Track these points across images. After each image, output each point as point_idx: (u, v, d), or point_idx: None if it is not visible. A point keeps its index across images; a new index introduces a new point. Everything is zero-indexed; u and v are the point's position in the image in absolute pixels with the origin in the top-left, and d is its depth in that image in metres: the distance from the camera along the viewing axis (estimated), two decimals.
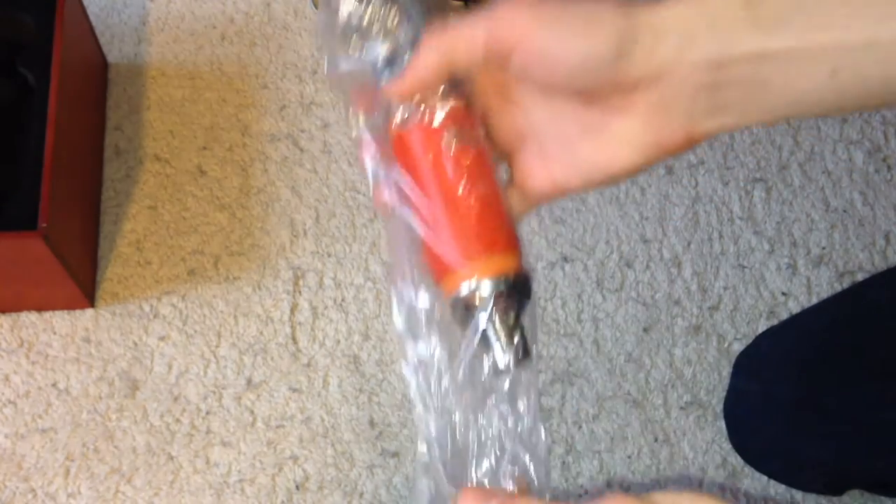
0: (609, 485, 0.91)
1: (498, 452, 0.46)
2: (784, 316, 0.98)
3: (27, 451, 0.89)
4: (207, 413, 0.91)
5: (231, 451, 0.90)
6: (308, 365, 0.94)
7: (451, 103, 0.46)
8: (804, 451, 0.85)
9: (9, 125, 0.89)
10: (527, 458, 0.46)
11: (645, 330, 0.97)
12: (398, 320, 0.46)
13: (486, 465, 0.46)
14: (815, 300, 0.99)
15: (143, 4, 1.09)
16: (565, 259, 0.99)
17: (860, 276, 1.00)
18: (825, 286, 1.00)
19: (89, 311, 0.94)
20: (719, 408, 0.94)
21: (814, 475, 0.87)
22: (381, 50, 0.46)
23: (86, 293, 0.93)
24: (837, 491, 0.90)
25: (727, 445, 0.92)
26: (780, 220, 1.03)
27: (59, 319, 0.94)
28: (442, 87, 0.46)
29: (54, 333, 0.93)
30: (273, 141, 1.03)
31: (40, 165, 0.83)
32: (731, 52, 0.40)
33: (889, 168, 1.06)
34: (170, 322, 0.94)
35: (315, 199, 1.01)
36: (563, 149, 0.45)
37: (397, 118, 0.46)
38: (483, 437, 0.46)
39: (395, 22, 0.46)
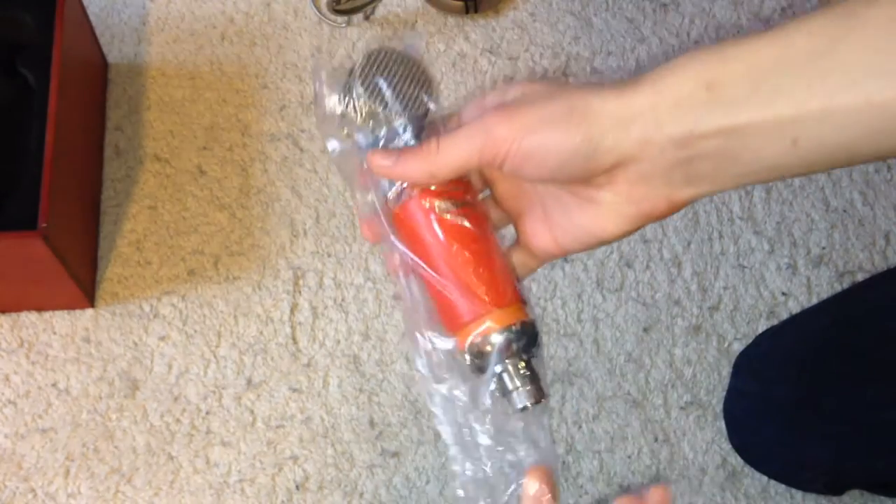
0: (608, 484, 0.91)
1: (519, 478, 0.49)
2: (784, 316, 0.98)
3: (27, 451, 0.89)
4: (207, 413, 0.91)
5: (231, 451, 0.90)
6: (308, 365, 0.94)
7: None
8: (804, 451, 0.85)
9: (9, 125, 0.89)
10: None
11: (645, 330, 0.97)
12: (422, 368, 0.50)
13: (511, 488, 0.49)
14: (815, 300, 0.99)
15: (143, 4, 1.09)
16: (565, 259, 0.99)
17: (860, 276, 1.00)
18: (825, 286, 1.00)
19: (89, 311, 0.94)
20: (719, 408, 0.94)
21: (814, 475, 0.87)
22: (368, 136, 0.50)
23: (86, 293, 0.93)
24: (837, 491, 0.90)
25: (727, 445, 0.92)
26: (780, 220, 1.03)
27: (59, 319, 0.94)
28: None
29: (54, 333, 0.93)
30: (273, 141, 1.03)
31: (40, 165, 0.83)
32: (696, 130, 0.43)
33: (889, 168, 1.06)
34: (170, 322, 0.94)
35: (315, 199, 1.01)
36: (562, 215, 0.50)
37: (391, 194, 0.50)
38: (507, 468, 0.50)
39: (380, 110, 0.50)
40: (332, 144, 0.51)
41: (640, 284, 0.99)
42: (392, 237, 0.50)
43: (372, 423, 0.92)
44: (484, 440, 0.49)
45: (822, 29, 0.42)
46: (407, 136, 0.50)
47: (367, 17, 1.09)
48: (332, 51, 1.08)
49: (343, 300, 0.96)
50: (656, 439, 0.93)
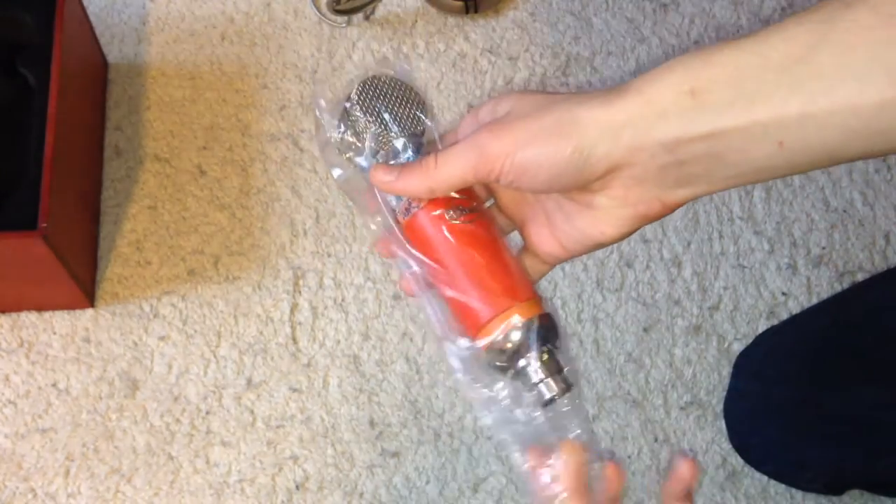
0: None
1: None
2: (784, 316, 0.98)
3: (27, 451, 0.89)
4: (207, 413, 0.91)
5: (231, 451, 0.90)
6: (308, 365, 0.94)
7: None
8: (804, 451, 0.85)
9: (9, 125, 0.89)
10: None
11: (645, 330, 0.97)
12: (460, 375, 0.52)
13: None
14: (815, 300, 0.99)
15: (143, 4, 1.09)
16: None
17: (860, 276, 1.00)
18: (825, 286, 1.00)
19: (89, 311, 0.94)
20: (719, 408, 0.94)
21: (814, 475, 0.88)
22: (370, 159, 0.53)
23: (86, 293, 0.93)
24: (837, 491, 0.90)
25: (727, 445, 0.92)
26: (780, 220, 1.03)
27: (59, 319, 0.94)
28: None
29: (54, 333, 0.93)
30: (273, 141, 1.03)
31: (40, 165, 0.83)
32: (683, 135, 0.45)
33: (889, 168, 1.06)
34: (170, 322, 0.94)
35: (315, 199, 1.01)
36: (563, 220, 0.52)
37: (399, 208, 0.52)
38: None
39: (379, 132, 0.52)
40: (337, 171, 0.54)
41: (640, 284, 0.99)
42: (406, 248, 0.52)
43: (372, 423, 0.92)
44: (534, 428, 0.51)
45: (800, 34, 0.43)
46: (407, 155, 0.53)
47: (367, 17, 1.09)
48: (332, 51, 1.08)
49: (343, 300, 0.96)
50: (656, 439, 0.93)
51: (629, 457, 0.92)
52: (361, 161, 0.53)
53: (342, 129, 0.53)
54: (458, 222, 0.51)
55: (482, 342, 0.51)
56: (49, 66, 0.87)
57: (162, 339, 0.94)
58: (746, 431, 0.90)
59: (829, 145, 0.43)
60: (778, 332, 0.93)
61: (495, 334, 0.50)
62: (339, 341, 0.95)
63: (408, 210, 0.52)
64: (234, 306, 0.95)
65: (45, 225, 0.81)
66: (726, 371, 0.95)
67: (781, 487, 0.91)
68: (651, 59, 1.09)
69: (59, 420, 0.90)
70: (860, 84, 0.41)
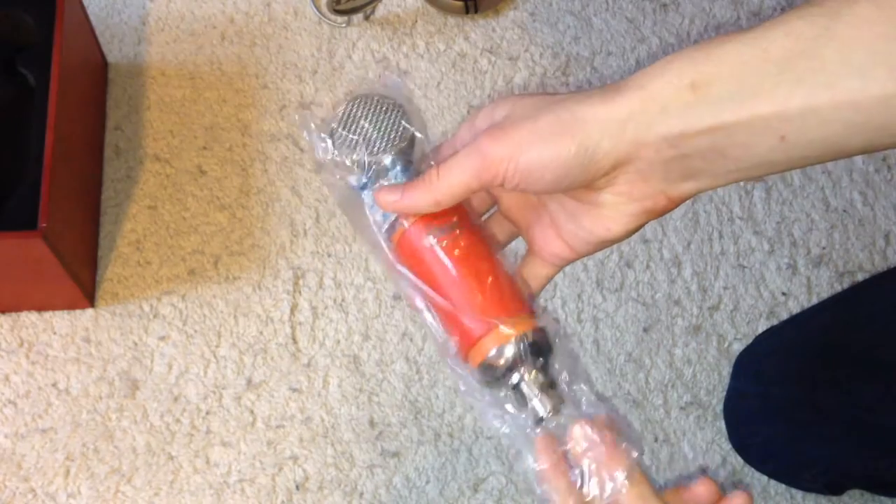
0: None
1: None
2: (784, 316, 0.98)
3: (27, 451, 0.89)
4: (207, 413, 0.91)
5: (231, 451, 0.90)
6: (308, 365, 0.94)
7: None
8: (804, 452, 0.85)
9: (9, 125, 0.89)
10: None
11: (645, 330, 0.97)
12: (462, 387, 0.52)
13: None
14: (815, 300, 0.99)
15: (143, 4, 1.09)
16: None
17: (860, 276, 1.00)
18: (825, 286, 1.00)
19: (89, 311, 0.94)
20: (719, 408, 0.94)
21: (814, 475, 0.87)
22: (360, 177, 0.53)
23: (86, 293, 0.93)
24: (837, 491, 0.90)
25: (727, 445, 0.92)
26: (780, 220, 1.03)
27: (59, 319, 0.94)
28: None
29: (54, 333, 0.93)
30: (273, 141, 1.03)
31: (40, 165, 0.83)
32: (685, 130, 0.44)
33: (889, 168, 1.06)
34: (170, 322, 0.94)
35: (315, 199, 1.01)
36: (569, 220, 0.51)
37: (385, 226, 0.52)
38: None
39: (365, 150, 0.52)
40: (333, 190, 0.54)
41: (640, 284, 0.99)
42: (396, 267, 0.52)
43: (372, 423, 0.92)
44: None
45: (802, 28, 0.43)
46: (397, 170, 0.52)
47: (367, 17, 1.09)
48: (332, 51, 1.08)
49: (343, 300, 0.96)
50: (656, 439, 0.93)
51: None
52: (351, 179, 0.53)
53: (332, 150, 0.53)
54: (443, 241, 0.51)
55: (474, 360, 0.50)
56: (49, 66, 0.87)
57: (162, 339, 0.94)
58: (746, 431, 0.90)
59: (832, 139, 0.43)
60: (778, 332, 0.93)
61: (487, 353, 0.50)
62: (339, 341, 0.95)
63: (393, 228, 0.52)
64: (234, 306, 0.95)
65: (45, 225, 0.81)
66: (726, 371, 0.95)
67: (781, 487, 0.91)
68: (651, 59, 1.09)
69: (59, 420, 0.90)
70: (862, 79, 0.41)
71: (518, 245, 0.57)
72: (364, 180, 0.53)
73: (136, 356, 0.93)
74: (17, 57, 0.90)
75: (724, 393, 0.93)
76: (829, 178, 1.05)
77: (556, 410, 0.50)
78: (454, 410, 0.93)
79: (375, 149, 0.52)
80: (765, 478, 0.91)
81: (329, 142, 0.53)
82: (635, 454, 0.48)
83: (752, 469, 0.91)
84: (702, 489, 0.50)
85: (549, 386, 0.50)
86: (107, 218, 0.99)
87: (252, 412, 0.92)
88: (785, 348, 0.89)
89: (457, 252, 0.51)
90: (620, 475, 0.48)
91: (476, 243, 0.52)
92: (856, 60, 0.41)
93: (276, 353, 0.94)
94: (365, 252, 0.99)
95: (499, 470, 0.91)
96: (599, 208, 0.49)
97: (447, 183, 0.49)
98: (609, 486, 0.47)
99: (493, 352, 0.50)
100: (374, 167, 0.52)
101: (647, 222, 0.50)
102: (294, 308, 0.96)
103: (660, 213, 0.49)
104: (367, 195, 0.53)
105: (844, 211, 1.03)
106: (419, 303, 0.52)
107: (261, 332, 0.95)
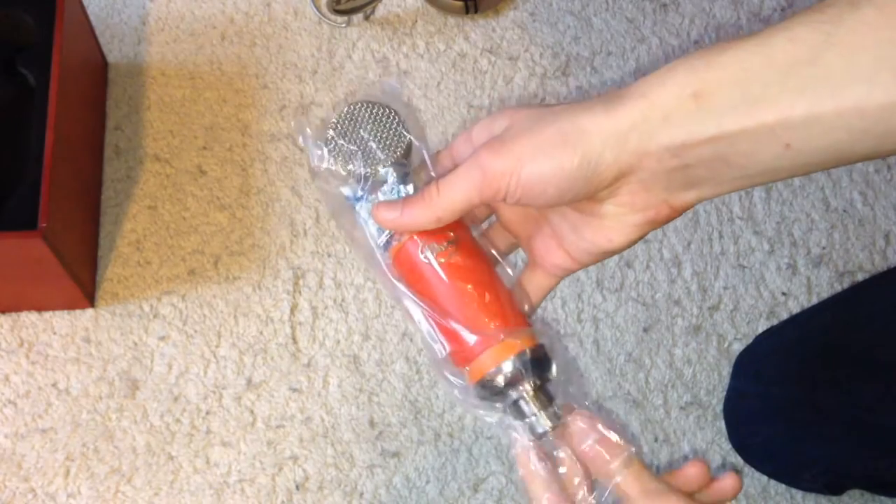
0: None
1: None
2: (784, 316, 0.98)
3: (27, 451, 0.89)
4: (207, 413, 0.91)
5: (231, 451, 0.90)
6: (308, 365, 0.94)
7: None
8: (804, 452, 0.85)
9: (9, 125, 0.89)
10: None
11: (645, 330, 0.97)
12: (458, 395, 0.51)
13: None
14: (815, 300, 0.99)
15: (143, 4, 1.09)
16: None
17: (860, 276, 1.00)
18: (825, 286, 1.00)
19: (89, 311, 0.94)
20: (719, 408, 0.94)
21: (814, 475, 0.87)
22: (354, 188, 0.52)
23: (86, 293, 0.93)
24: (837, 491, 0.90)
25: (727, 445, 0.92)
26: (780, 220, 1.03)
27: (59, 319, 0.94)
28: None
29: (54, 333, 0.93)
30: (273, 141, 1.03)
31: (40, 165, 0.83)
32: (688, 140, 0.44)
33: (889, 168, 1.06)
34: (170, 322, 0.94)
35: (315, 199, 1.00)
36: (570, 231, 0.50)
37: (380, 241, 0.51)
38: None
39: (360, 160, 0.51)
40: (327, 198, 0.53)
41: (640, 284, 0.99)
42: (392, 282, 0.51)
43: (372, 423, 0.92)
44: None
45: (805, 35, 0.42)
46: (392, 181, 0.51)
47: (367, 17, 1.09)
48: (332, 50, 1.08)
49: (343, 300, 0.96)
50: (656, 439, 0.93)
51: None
52: (347, 191, 0.52)
53: (328, 158, 0.52)
54: (439, 257, 0.50)
55: (472, 377, 0.50)
56: (49, 66, 0.87)
57: (162, 339, 0.94)
58: (746, 431, 0.90)
59: (837, 146, 0.43)
60: (778, 332, 0.93)
61: (485, 371, 0.49)
62: (339, 341, 0.95)
63: (388, 244, 0.51)
64: (234, 306, 0.95)
65: (45, 225, 0.81)
66: (726, 371, 0.95)
67: (781, 487, 0.91)
68: (651, 58, 1.09)
69: (59, 420, 0.90)
70: (868, 85, 0.41)
71: (515, 256, 0.56)
72: (360, 193, 0.52)
73: (136, 356, 0.93)
74: (17, 57, 0.90)
75: (724, 393, 0.93)
76: (829, 178, 1.05)
77: (554, 427, 0.49)
78: (454, 410, 0.93)
79: (372, 159, 0.51)
80: (765, 478, 0.91)
81: (325, 150, 0.52)
82: (633, 449, 0.48)
83: (752, 469, 0.91)
84: (692, 471, 0.50)
85: (548, 402, 0.50)
86: (107, 218, 0.99)
87: (252, 412, 0.92)
88: (785, 348, 0.89)
89: (455, 267, 0.50)
90: (618, 463, 0.48)
91: (474, 258, 0.51)
92: (860, 66, 0.41)
93: (276, 353, 0.94)
94: (355, 253, 0.98)
95: (499, 470, 0.91)
96: (601, 219, 0.49)
97: (448, 199, 0.48)
98: (607, 477, 0.48)
99: (491, 369, 0.49)
100: (370, 178, 0.51)
101: (649, 232, 0.49)
102: (294, 308, 0.96)
103: (662, 223, 0.49)
104: (362, 207, 0.52)
105: (844, 211, 1.03)
106: (416, 317, 0.51)
107: (261, 332, 0.95)
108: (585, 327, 0.97)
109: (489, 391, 0.50)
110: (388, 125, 0.52)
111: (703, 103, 0.44)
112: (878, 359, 0.80)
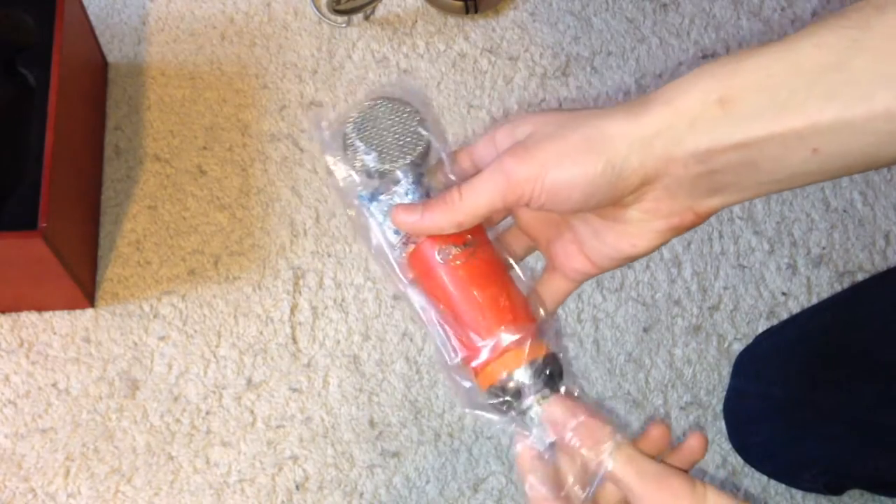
0: None
1: None
2: (784, 316, 0.98)
3: (27, 451, 0.89)
4: (207, 413, 0.91)
5: (231, 451, 0.90)
6: (308, 365, 0.94)
7: None
8: (804, 452, 0.85)
9: (9, 125, 0.89)
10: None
11: (645, 330, 0.97)
12: (465, 404, 0.51)
13: None
14: (815, 300, 0.99)
15: (143, 4, 1.09)
16: None
17: (860, 276, 1.00)
18: (825, 286, 1.00)
19: (89, 311, 0.94)
20: (719, 408, 0.94)
21: (814, 475, 0.87)
22: (369, 189, 0.51)
23: (86, 293, 0.93)
24: (837, 491, 0.90)
25: (727, 445, 0.92)
26: (780, 220, 1.03)
27: (59, 319, 0.94)
28: None
29: (54, 333, 0.93)
30: (273, 141, 1.03)
31: (40, 165, 0.83)
32: (713, 146, 0.44)
33: (889, 168, 1.06)
34: (170, 322, 0.94)
35: (315, 199, 1.01)
36: (592, 236, 0.50)
37: (396, 243, 0.51)
38: None
39: (376, 161, 0.50)
40: (341, 196, 0.52)
41: (640, 284, 0.99)
42: (406, 284, 0.51)
43: (372, 423, 0.92)
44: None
45: (832, 40, 0.42)
46: (408, 183, 0.50)
47: (367, 17, 1.09)
48: (332, 50, 1.08)
49: (343, 300, 0.96)
50: None
51: None
52: (362, 189, 0.51)
53: (344, 155, 0.51)
54: (455, 260, 0.49)
55: (483, 383, 0.49)
56: (49, 66, 0.87)
57: (162, 339, 0.94)
58: (746, 431, 0.90)
59: (864, 150, 0.43)
60: (778, 332, 0.93)
61: (497, 378, 0.49)
62: (339, 341, 0.95)
63: (404, 247, 0.50)
64: (234, 306, 0.95)
65: (45, 225, 0.81)
66: (726, 371, 0.95)
67: (781, 487, 0.91)
68: (651, 59, 1.09)
69: (59, 420, 0.90)
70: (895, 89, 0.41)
71: (526, 261, 0.56)
72: (374, 191, 0.51)
73: (136, 356, 0.93)
74: (17, 57, 0.90)
75: (724, 393, 0.93)
76: None
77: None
78: (454, 410, 0.93)
79: (389, 158, 0.50)
80: (765, 478, 0.91)
81: (341, 146, 0.51)
82: (619, 436, 0.47)
83: (752, 469, 0.91)
84: (655, 433, 0.49)
85: None
86: (107, 218, 0.99)
87: (252, 412, 0.92)
88: (785, 348, 0.89)
89: (471, 270, 0.49)
90: (606, 444, 0.47)
91: (491, 262, 0.50)
92: (888, 71, 0.41)
93: (276, 353, 0.94)
94: (365, 252, 0.99)
95: (499, 470, 0.91)
96: (625, 225, 0.48)
97: (471, 204, 0.47)
98: (597, 458, 0.47)
99: (503, 376, 0.49)
100: (386, 177, 0.50)
101: (672, 238, 0.49)
102: (294, 308, 0.96)
103: (686, 229, 0.48)
104: (377, 206, 0.51)
105: (844, 211, 1.03)
106: (427, 319, 0.50)
107: (261, 332, 0.95)
108: (585, 327, 0.97)
109: (500, 398, 0.49)
110: (407, 124, 0.51)
111: (730, 109, 0.43)
112: (878, 359, 0.80)
